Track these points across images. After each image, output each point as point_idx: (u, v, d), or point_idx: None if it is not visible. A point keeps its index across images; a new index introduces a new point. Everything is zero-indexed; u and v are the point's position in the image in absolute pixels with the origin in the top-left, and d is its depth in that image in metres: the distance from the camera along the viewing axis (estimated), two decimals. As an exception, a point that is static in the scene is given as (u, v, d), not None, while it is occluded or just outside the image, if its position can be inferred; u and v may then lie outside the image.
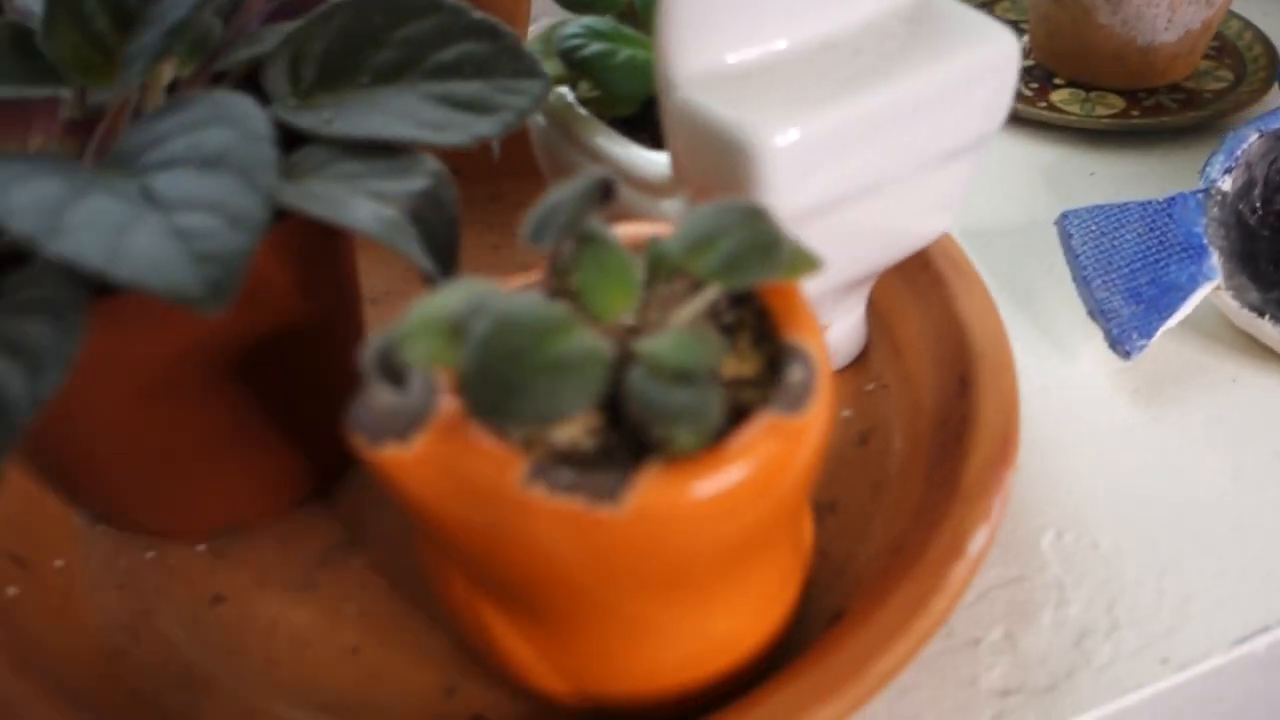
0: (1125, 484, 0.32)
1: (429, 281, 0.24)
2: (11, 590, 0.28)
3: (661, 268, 0.22)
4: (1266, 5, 0.55)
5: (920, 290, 0.33)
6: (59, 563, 0.30)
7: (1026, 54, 0.52)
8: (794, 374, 0.21)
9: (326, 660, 0.28)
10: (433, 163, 0.25)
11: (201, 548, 0.31)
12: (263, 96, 0.27)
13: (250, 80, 0.28)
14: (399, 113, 0.27)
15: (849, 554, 0.29)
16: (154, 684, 0.28)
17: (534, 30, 0.34)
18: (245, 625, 0.29)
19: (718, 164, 0.25)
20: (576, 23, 0.31)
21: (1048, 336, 0.37)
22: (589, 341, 0.19)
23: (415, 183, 0.25)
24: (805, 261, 0.22)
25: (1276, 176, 0.39)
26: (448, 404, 0.21)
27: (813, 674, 0.24)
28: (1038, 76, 0.50)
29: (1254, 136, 0.38)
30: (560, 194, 0.22)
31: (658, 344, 0.20)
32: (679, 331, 0.21)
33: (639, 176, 0.29)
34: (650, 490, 0.19)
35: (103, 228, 0.21)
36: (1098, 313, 0.36)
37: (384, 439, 0.21)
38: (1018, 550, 0.31)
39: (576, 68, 0.30)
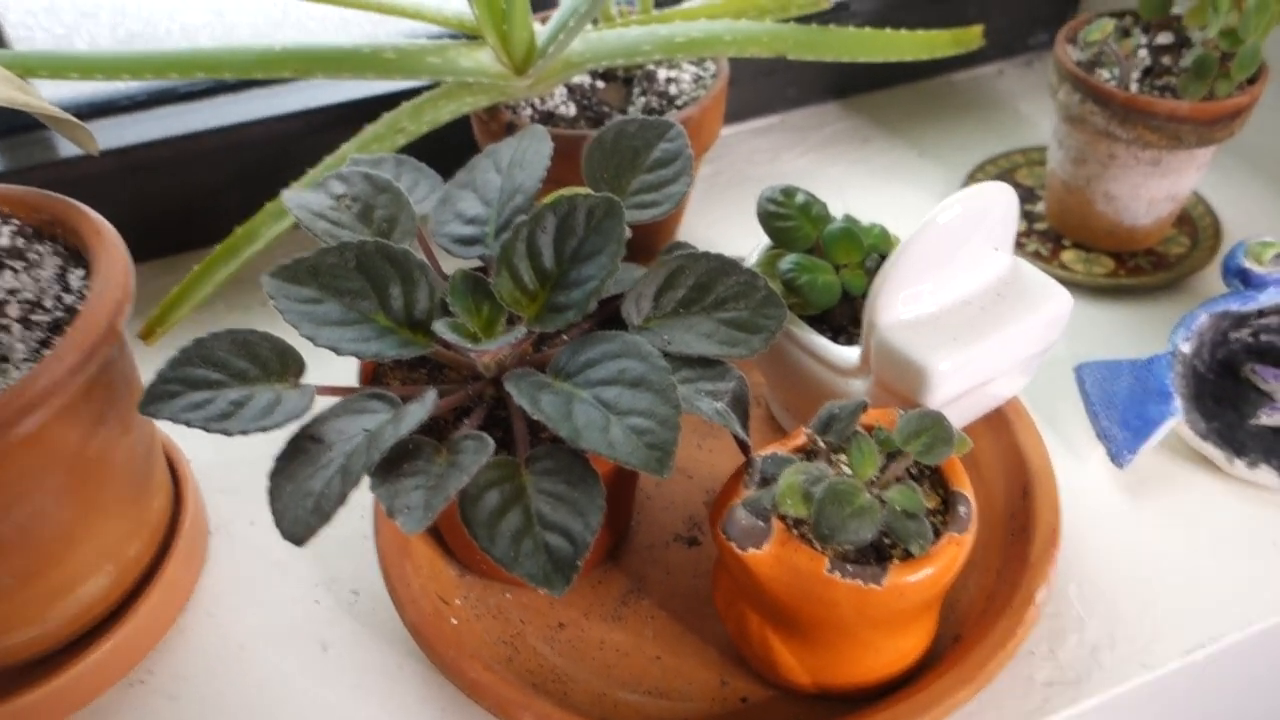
0: (1119, 551, 0.51)
1: (740, 444, 0.42)
2: (454, 620, 0.45)
3: (885, 445, 0.40)
4: (1214, 177, 0.74)
5: (993, 428, 0.51)
6: (457, 601, 0.47)
7: (1042, 218, 0.70)
8: (961, 508, 0.39)
9: (640, 665, 0.46)
10: (736, 370, 0.43)
11: (542, 592, 0.48)
12: (621, 324, 0.44)
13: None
14: (703, 333, 0.44)
15: (957, 601, 0.47)
16: (536, 678, 0.45)
17: (755, 255, 0.51)
18: (583, 642, 0.46)
19: (904, 375, 0.43)
20: (788, 258, 0.49)
21: (1069, 451, 0.56)
22: (870, 500, 0.37)
23: (729, 384, 0.42)
24: (964, 444, 0.40)
25: (1216, 339, 0.58)
26: (779, 528, 0.38)
27: (953, 672, 0.42)
28: (1051, 238, 0.69)
29: (1203, 316, 0.57)
30: (836, 408, 0.39)
31: (897, 496, 0.38)
32: (906, 487, 0.38)
33: (832, 362, 0.47)
34: (896, 575, 0.37)
35: (596, 426, 0.38)
36: (1101, 435, 0.54)
37: (747, 546, 0.38)
38: (1054, 596, 0.49)
39: (790, 288, 0.48)
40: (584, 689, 0.44)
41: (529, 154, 0.50)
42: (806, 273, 0.48)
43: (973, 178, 0.75)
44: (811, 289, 0.48)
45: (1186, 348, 0.56)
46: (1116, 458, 0.53)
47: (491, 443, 0.37)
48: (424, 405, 0.39)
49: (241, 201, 0.62)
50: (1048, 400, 0.58)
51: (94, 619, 0.46)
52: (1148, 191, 0.64)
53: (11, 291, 0.44)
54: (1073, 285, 0.66)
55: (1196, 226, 0.70)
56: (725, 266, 0.45)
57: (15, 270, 0.45)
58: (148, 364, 0.48)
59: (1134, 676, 0.46)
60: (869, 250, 0.50)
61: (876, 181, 0.77)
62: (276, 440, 0.59)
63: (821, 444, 0.42)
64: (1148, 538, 0.51)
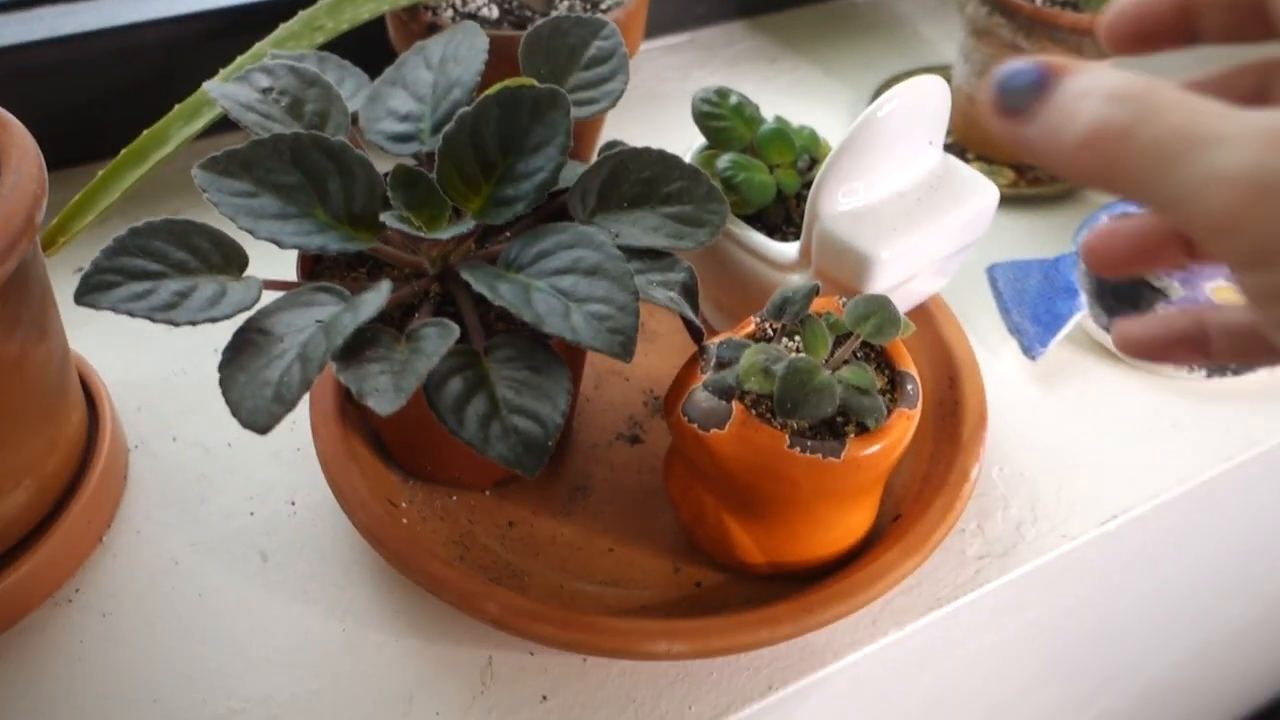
0: (1035, 435, 0.54)
1: (692, 330, 0.42)
2: (405, 520, 0.45)
3: (835, 328, 0.41)
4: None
5: (919, 322, 0.53)
6: (404, 504, 0.47)
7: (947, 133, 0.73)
8: (909, 386, 0.41)
9: (593, 556, 0.46)
10: (684, 261, 0.43)
11: (487, 493, 0.48)
12: (568, 217, 0.44)
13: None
14: (650, 227, 0.44)
15: (893, 483, 0.49)
16: (491, 574, 0.45)
17: (689, 156, 0.51)
18: (535, 539, 0.47)
19: (846, 264, 0.44)
20: (725, 157, 0.49)
21: (984, 346, 0.58)
22: (828, 376, 0.38)
23: (679, 275, 0.43)
24: (907, 327, 0.42)
25: (1115, 239, 0.61)
26: (738, 409, 0.39)
27: (898, 546, 0.44)
28: (955, 151, 0.71)
29: (1103, 217, 0.60)
30: (789, 291, 0.40)
31: (850, 374, 0.39)
32: (858, 365, 0.40)
33: (771, 258, 0.48)
34: (853, 449, 0.39)
35: (557, 312, 0.38)
36: (1013, 330, 0.57)
37: (710, 427, 0.39)
38: (980, 478, 0.51)
39: (728, 186, 0.49)
40: (540, 581, 0.45)
41: (462, 49, 0.49)
42: (744, 170, 0.49)
43: (878, 93, 0.77)
44: (749, 187, 0.48)
45: (1089, 247, 0.60)
46: (1029, 350, 0.56)
47: (455, 327, 0.37)
48: (379, 294, 0.38)
49: (135, 112, 0.58)
50: (961, 300, 0.61)
51: (14, 537, 0.44)
52: (1048, 103, 0.67)
53: (-91, 185, 0.40)
54: (978, 195, 0.69)
55: (1088, 140, 0.74)
56: (669, 162, 0.45)
57: (-90, 164, 0.41)
58: (53, 277, 0.45)
59: (1055, 547, 0.49)
60: (800, 151, 0.51)
61: (786, 99, 0.78)
62: (190, 355, 0.57)
63: (771, 330, 0.43)
64: (1060, 423, 0.55)
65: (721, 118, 0.51)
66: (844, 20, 0.88)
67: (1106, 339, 0.58)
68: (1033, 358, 0.56)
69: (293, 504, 0.49)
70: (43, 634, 0.44)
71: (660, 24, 0.83)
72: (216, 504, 0.49)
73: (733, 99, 0.51)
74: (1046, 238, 0.66)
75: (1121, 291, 0.60)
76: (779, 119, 0.51)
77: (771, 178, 0.49)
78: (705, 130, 0.51)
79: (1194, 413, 0.55)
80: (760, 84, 0.80)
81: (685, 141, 0.72)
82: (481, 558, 0.46)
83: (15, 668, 0.42)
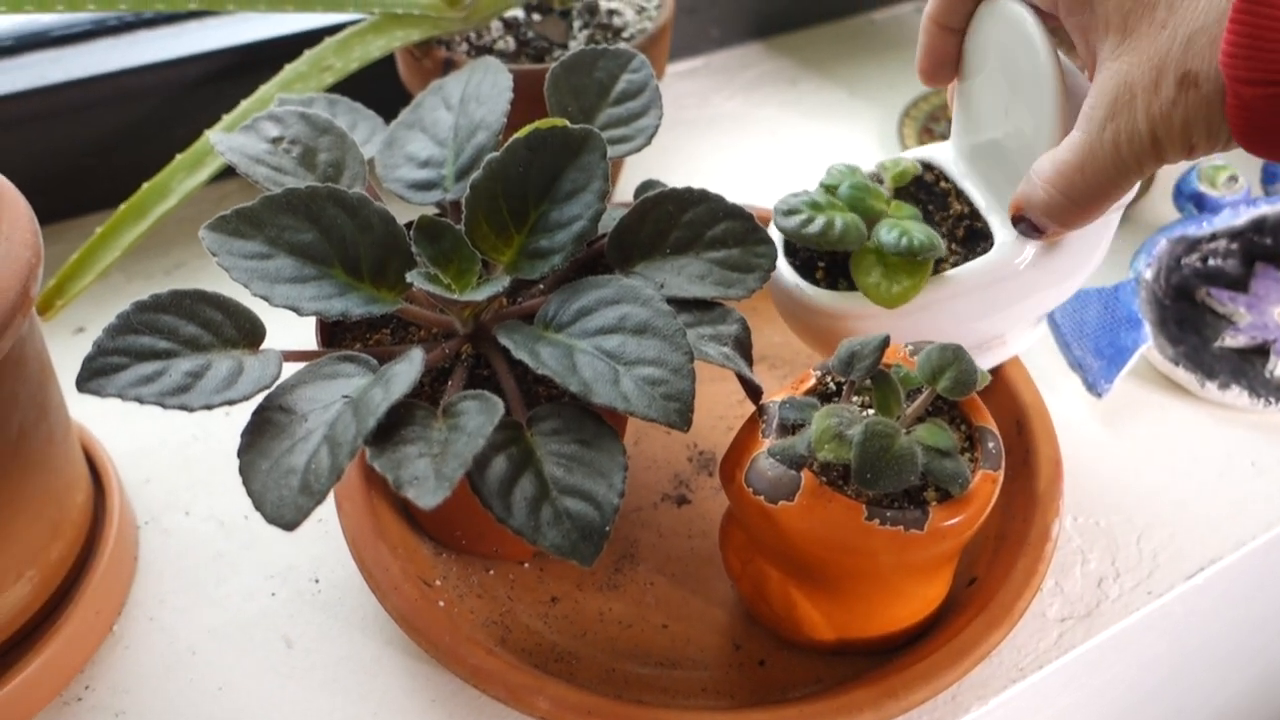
0: (1108, 480, 0.50)
1: (750, 388, 0.39)
2: (441, 602, 0.41)
3: (906, 383, 0.38)
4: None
5: (980, 362, 0.50)
6: (438, 582, 0.43)
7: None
8: (990, 444, 0.37)
9: (646, 634, 0.43)
10: (736, 312, 0.40)
11: (526, 565, 0.45)
12: (606, 267, 0.41)
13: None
14: (696, 275, 0.41)
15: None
16: (536, 659, 0.41)
17: None
18: (581, 616, 0.43)
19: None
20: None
21: (1044, 383, 0.55)
22: (908, 442, 0.35)
23: (731, 327, 0.39)
24: (984, 379, 0.38)
25: (1170, 264, 0.58)
26: (807, 478, 0.36)
27: (981, 616, 0.40)
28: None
29: (1162, 241, 0.57)
30: (857, 344, 0.37)
31: (927, 435, 0.36)
32: (934, 424, 0.36)
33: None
34: (937, 519, 0.35)
35: (606, 379, 0.34)
36: (1075, 365, 0.54)
37: (777, 499, 0.35)
38: (1051, 529, 0.48)
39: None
40: (590, 665, 0.41)
41: (484, 88, 0.45)
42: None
43: (908, 114, 0.74)
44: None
45: (1149, 274, 0.56)
46: (1094, 387, 0.52)
47: (499, 402, 0.33)
48: (413, 365, 0.34)
49: (133, 161, 0.55)
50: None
51: (18, 632, 0.40)
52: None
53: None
54: (1022, 219, 0.66)
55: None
56: (711, 202, 0.42)
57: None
58: (51, 343, 0.41)
59: (1142, 605, 0.45)
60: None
61: (811, 123, 0.75)
62: (200, 420, 0.53)
63: (834, 384, 0.40)
64: (1132, 465, 0.51)
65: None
66: (863, 37, 0.85)
67: (1175, 371, 0.54)
68: (1099, 395, 0.52)
69: (317, 582, 0.45)
70: (50, 739, 0.40)
71: (674, 48, 0.80)
72: (235, 584, 0.45)
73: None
74: (1103, 264, 0.62)
75: (1183, 318, 0.56)
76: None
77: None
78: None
79: (1273, 449, 0.52)
80: (781, 108, 0.76)
81: (708, 171, 0.69)
82: (524, 640, 0.42)
83: (20, 779, 0.39)
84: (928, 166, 0.47)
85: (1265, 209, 0.58)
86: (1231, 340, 0.55)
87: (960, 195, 0.46)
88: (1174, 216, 0.60)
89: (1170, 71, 0.32)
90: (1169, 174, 0.67)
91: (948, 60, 0.44)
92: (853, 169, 0.45)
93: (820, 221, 0.42)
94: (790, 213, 0.43)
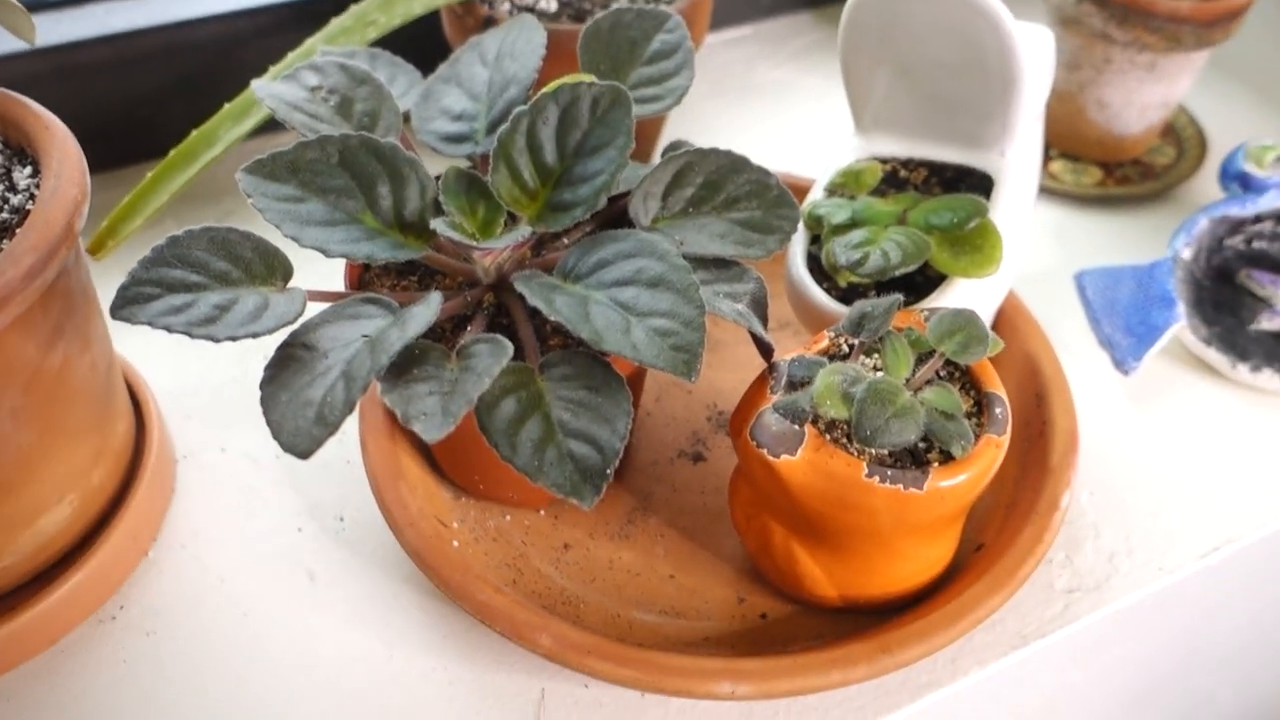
0: (1129, 457, 0.50)
1: (761, 346, 0.40)
2: (455, 543, 0.43)
3: (916, 345, 0.38)
4: (1194, 87, 0.73)
5: (1002, 334, 0.50)
6: (455, 524, 0.45)
7: (1028, 129, 0.69)
8: (997, 410, 0.38)
9: (653, 584, 0.44)
10: (754, 271, 0.40)
11: (542, 513, 0.46)
12: (630, 224, 0.41)
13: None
14: (716, 234, 0.41)
15: (975, 510, 0.46)
16: (545, 601, 0.43)
17: None
18: (591, 563, 0.44)
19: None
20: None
21: (1071, 358, 0.55)
22: (911, 400, 0.35)
23: (747, 286, 0.40)
24: (996, 344, 0.38)
25: (1212, 245, 0.57)
26: (812, 433, 0.36)
27: (982, 580, 0.40)
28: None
29: (1203, 220, 0.56)
30: (868, 306, 0.37)
31: (934, 397, 0.36)
32: (942, 387, 0.36)
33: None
34: (937, 479, 0.36)
35: (617, 327, 0.35)
36: (1104, 342, 0.53)
37: (779, 452, 0.36)
38: (1069, 504, 0.48)
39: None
40: (596, 610, 0.42)
41: (519, 44, 0.46)
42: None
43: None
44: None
45: (1187, 253, 0.56)
46: (1121, 364, 0.52)
47: (508, 345, 0.34)
48: (429, 307, 0.35)
49: (186, 110, 0.57)
50: (1046, 309, 0.57)
51: (58, 552, 0.43)
52: (1141, 98, 0.63)
53: (-51, 191, 0.39)
54: (1061, 195, 0.65)
55: (1180, 137, 0.69)
56: (736, 163, 0.43)
57: (-48, 168, 0.40)
58: (101, 282, 0.43)
59: (1151, 581, 0.45)
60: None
61: (856, 93, 0.74)
62: (241, 361, 0.55)
63: (847, 346, 0.40)
64: (1155, 443, 0.51)
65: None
66: (917, 10, 0.84)
67: (1206, 352, 0.53)
68: (1125, 372, 0.52)
69: (341, 520, 0.47)
70: (85, 653, 0.42)
71: (723, 16, 0.80)
72: (264, 519, 0.47)
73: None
74: (1139, 242, 0.62)
75: (1220, 300, 0.56)
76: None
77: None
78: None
79: (1303, 434, 0.51)
80: (828, 78, 0.76)
81: (750, 140, 0.69)
82: (534, 583, 0.43)
83: (57, 687, 0.41)
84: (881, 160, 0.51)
85: (1313, 191, 0.57)
86: (1269, 323, 0.54)
87: (915, 164, 0.51)
88: (1219, 197, 0.59)
89: None
90: (1216, 154, 0.66)
91: None
92: (830, 199, 0.49)
93: (876, 255, 0.43)
94: (860, 263, 0.43)
